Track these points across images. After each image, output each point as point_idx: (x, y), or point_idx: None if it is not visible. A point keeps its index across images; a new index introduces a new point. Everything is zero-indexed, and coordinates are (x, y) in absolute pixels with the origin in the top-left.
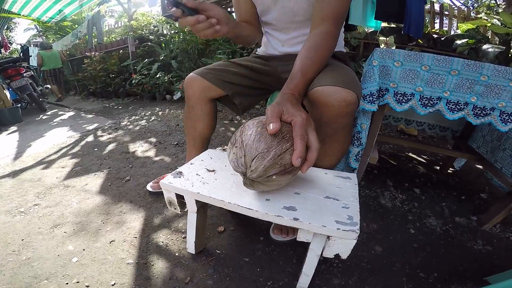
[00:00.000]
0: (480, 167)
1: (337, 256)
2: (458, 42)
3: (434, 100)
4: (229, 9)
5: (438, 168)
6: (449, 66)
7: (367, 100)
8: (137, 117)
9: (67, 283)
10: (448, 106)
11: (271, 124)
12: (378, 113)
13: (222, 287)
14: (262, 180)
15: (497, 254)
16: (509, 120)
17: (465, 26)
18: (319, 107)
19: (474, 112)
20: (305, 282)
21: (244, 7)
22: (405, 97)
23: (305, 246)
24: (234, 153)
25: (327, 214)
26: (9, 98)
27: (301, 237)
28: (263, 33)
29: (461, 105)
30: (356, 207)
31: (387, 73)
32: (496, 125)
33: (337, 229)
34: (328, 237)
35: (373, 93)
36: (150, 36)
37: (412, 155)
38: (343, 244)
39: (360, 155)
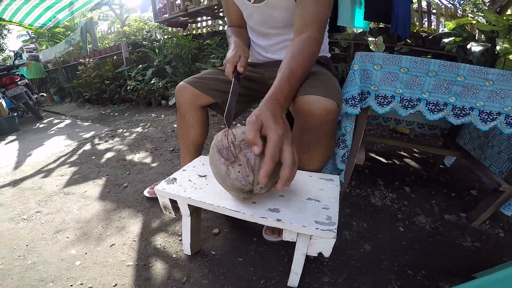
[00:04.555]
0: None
1: (320, 254)
2: (446, 40)
3: (414, 101)
4: (221, 14)
5: (429, 166)
6: (426, 67)
7: (349, 104)
8: (133, 124)
9: (71, 285)
10: (428, 107)
11: (255, 148)
12: (361, 116)
13: (217, 286)
14: (265, 192)
15: (486, 250)
16: (489, 119)
17: (452, 25)
18: (302, 115)
19: (454, 112)
20: (295, 280)
21: (233, 13)
22: (386, 100)
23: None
24: (238, 172)
25: (307, 215)
26: (5, 107)
27: (286, 236)
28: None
29: (441, 105)
30: (335, 208)
31: (367, 76)
32: (477, 125)
33: (316, 228)
34: (310, 236)
35: (355, 96)
36: (144, 42)
37: (403, 154)
38: (324, 243)
39: (346, 156)
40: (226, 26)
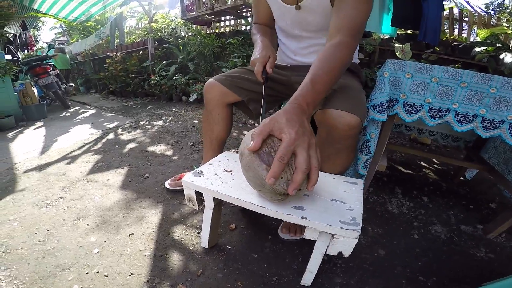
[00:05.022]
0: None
1: (340, 254)
2: (477, 49)
3: (443, 111)
4: (245, 14)
5: (449, 177)
6: (459, 78)
7: (377, 110)
8: (154, 117)
9: (87, 273)
10: (457, 118)
11: (252, 142)
12: (387, 123)
13: (231, 280)
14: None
15: (499, 261)
16: None
17: (485, 33)
18: (325, 128)
19: (483, 124)
20: (309, 279)
21: (263, 11)
22: (414, 108)
23: (311, 245)
24: (281, 177)
25: (332, 215)
26: (36, 94)
27: (307, 235)
28: (278, 41)
29: (470, 117)
30: (359, 210)
31: (397, 84)
32: (506, 138)
33: (341, 228)
34: (333, 235)
35: (383, 103)
36: (169, 38)
37: (423, 164)
38: (346, 243)
39: (368, 162)
40: (248, 26)
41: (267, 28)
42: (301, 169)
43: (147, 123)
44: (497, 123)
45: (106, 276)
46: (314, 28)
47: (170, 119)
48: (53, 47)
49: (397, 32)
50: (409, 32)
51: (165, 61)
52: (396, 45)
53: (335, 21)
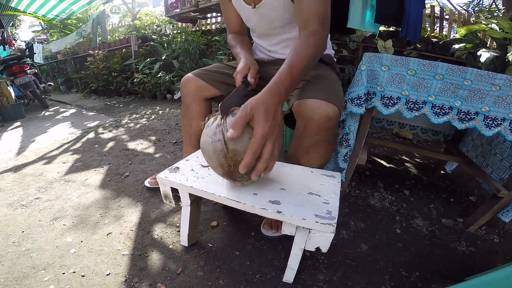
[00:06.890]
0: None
1: (318, 249)
2: (456, 46)
3: (420, 104)
4: None
5: (430, 171)
6: (434, 70)
7: (354, 103)
8: (137, 116)
9: (63, 273)
10: (434, 110)
11: (231, 131)
12: (365, 116)
13: (212, 278)
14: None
15: (480, 255)
16: (493, 125)
17: (464, 31)
18: (302, 119)
19: (458, 116)
20: (291, 275)
21: (233, 19)
22: (391, 101)
23: (293, 241)
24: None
25: (308, 208)
26: (12, 94)
27: (285, 230)
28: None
29: (446, 109)
30: (335, 203)
31: (374, 77)
32: (481, 130)
33: (316, 222)
34: (309, 230)
35: (361, 96)
36: (153, 36)
37: (405, 158)
38: (323, 237)
39: (348, 156)
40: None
41: (243, 37)
42: (265, 158)
43: (129, 121)
44: (472, 114)
45: (83, 276)
46: (279, 23)
47: (153, 117)
48: (31, 45)
49: (380, 29)
50: (391, 29)
51: (148, 59)
52: (379, 41)
53: (301, 14)
